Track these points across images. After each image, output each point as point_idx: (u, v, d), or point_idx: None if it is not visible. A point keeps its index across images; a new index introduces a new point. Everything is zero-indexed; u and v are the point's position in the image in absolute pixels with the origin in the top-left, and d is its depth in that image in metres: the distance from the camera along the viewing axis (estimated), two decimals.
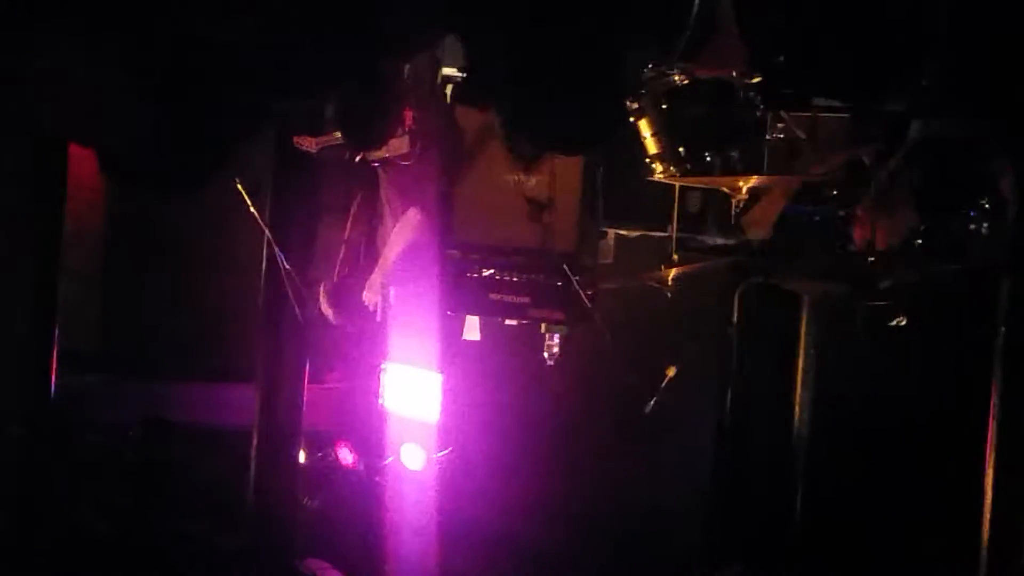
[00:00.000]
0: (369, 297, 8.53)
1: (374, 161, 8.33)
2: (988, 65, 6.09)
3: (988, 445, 6.54)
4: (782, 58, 5.97)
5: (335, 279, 8.89)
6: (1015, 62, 6.06)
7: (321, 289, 8.81)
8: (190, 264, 10.44)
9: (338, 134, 8.21)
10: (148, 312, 10.47)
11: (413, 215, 8.25)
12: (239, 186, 8.51)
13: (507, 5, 6.07)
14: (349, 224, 8.87)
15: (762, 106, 7.22)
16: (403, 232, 8.33)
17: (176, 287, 10.43)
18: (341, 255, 8.86)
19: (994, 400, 6.54)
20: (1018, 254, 6.48)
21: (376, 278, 8.51)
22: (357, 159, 8.36)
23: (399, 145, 8.02)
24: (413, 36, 6.66)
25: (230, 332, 9.98)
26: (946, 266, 7.48)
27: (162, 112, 6.28)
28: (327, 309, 8.77)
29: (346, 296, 8.72)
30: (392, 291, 8.52)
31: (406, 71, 7.81)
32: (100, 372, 10.20)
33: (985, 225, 7.30)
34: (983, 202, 7.24)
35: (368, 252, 8.89)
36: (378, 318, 8.63)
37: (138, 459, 9.67)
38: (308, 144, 8.45)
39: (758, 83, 7.14)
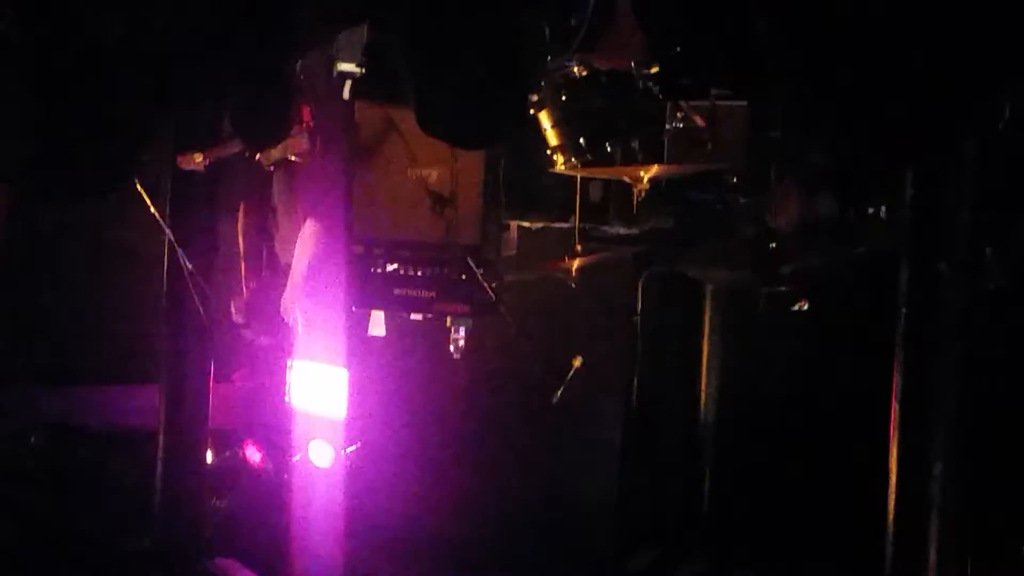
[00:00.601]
0: (288, 313, 8.51)
1: (270, 164, 8.28)
2: (885, 52, 6.13)
3: (892, 427, 6.60)
4: (678, 48, 5.99)
5: (245, 294, 8.84)
6: (910, 50, 6.11)
7: (233, 306, 8.77)
8: (91, 266, 10.32)
9: (228, 145, 8.17)
10: (49, 315, 10.34)
11: (310, 226, 8.23)
12: (138, 186, 8.42)
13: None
14: (240, 236, 8.79)
15: (660, 96, 7.26)
16: (305, 245, 8.31)
17: (77, 289, 10.31)
18: (243, 269, 8.79)
19: (896, 381, 6.60)
20: (916, 237, 6.54)
21: (290, 294, 8.48)
22: (256, 159, 8.29)
23: (297, 143, 7.98)
24: (307, 32, 6.62)
25: (133, 333, 9.89)
26: (846, 250, 7.56)
27: (63, 120, 6.21)
28: (243, 325, 8.74)
29: (259, 308, 8.69)
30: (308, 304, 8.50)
31: (299, 67, 7.76)
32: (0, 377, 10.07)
33: (883, 209, 7.38)
34: (882, 186, 7.31)
35: (270, 262, 8.86)
36: (298, 331, 8.62)
37: (42, 464, 9.57)
38: (195, 162, 8.32)
39: (656, 73, 7.17)
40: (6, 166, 6.72)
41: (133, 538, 9.01)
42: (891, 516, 6.51)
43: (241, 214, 8.78)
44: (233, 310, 8.78)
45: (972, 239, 6.48)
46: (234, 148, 8.28)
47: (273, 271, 8.90)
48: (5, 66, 6.22)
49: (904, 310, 6.54)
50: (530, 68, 6.65)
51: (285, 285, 8.57)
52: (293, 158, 8.14)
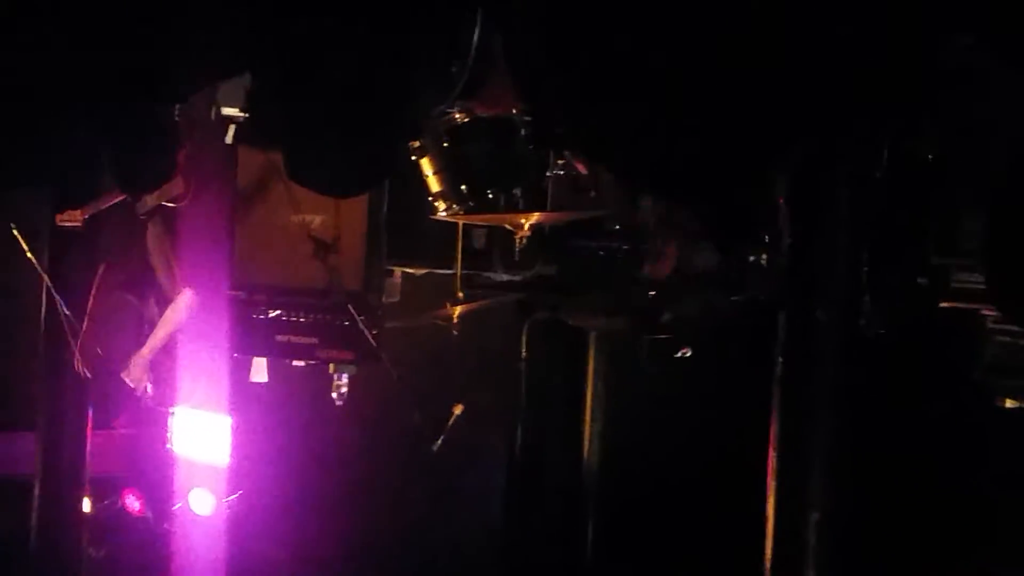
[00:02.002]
0: (134, 376, 8.37)
1: (143, 214, 8.18)
2: (757, 97, 6.17)
3: (769, 472, 6.63)
4: (549, 99, 6.00)
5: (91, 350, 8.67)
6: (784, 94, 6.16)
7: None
8: None
9: (106, 198, 8.08)
10: None
11: (186, 297, 8.15)
12: (15, 232, 8.30)
13: (283, 46, 6.01)
14: (94, 293, 8.64)
15: (531, 147, 7.28)
16: (175, 314, 8.23)
17: None
18: (85, 325, 8.56)
19: (773, 428, 6.63)
20: (793, 285, 6.58)
21: (143, 356, 8.36)
22: (138, 211, 8.18)
23: (172, 187, 7.89)
24: (188, 79, 6.56)
25: (8, 379, 9.73)
26: (726, 298, 7.61)
27: None
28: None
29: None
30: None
31: (177, 111, 7.68)
32: None
33: (764, 257, 7.43)
34: (762, 234, 7.36)
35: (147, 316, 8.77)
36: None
37: None
38: (73, 218, 8.19)
39: (530, 123, 7.20)
40: None
41: None
42: (768, 564, 6.53)
43: (101, 271, 8.64)
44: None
45: (849, 288, 6.53)
46: (112, 200, 8.18)
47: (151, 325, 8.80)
48: None
49: (781, 358, 6.58)
50: (405, 116, 6.63)
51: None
52: (168, 203, 8.04)
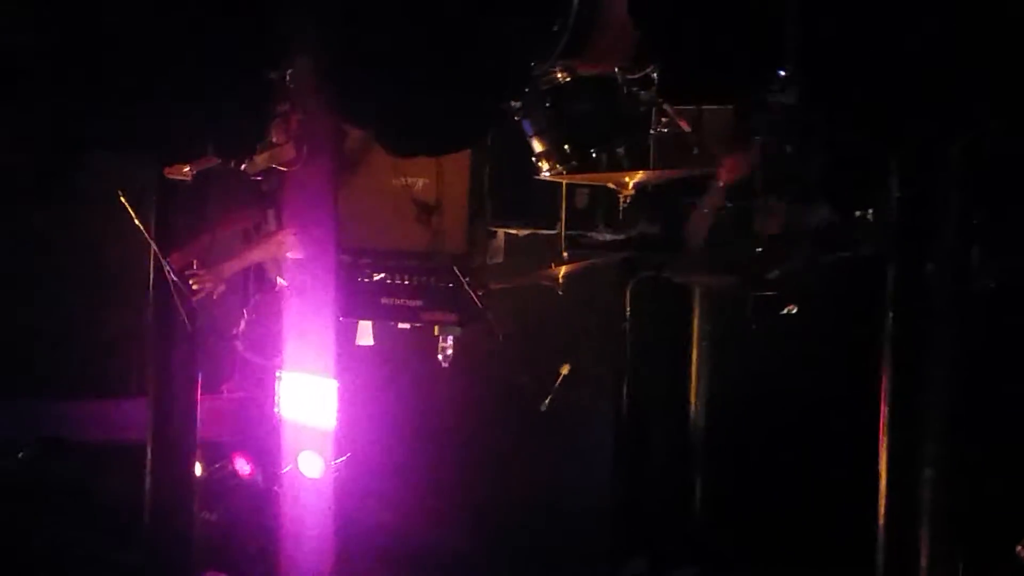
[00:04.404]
0: (200, 282, 8.33)
1: (256, 174, 8.21)
2: (868, 58, 6.13)
3: (881, 428, 6.59)
4: (678, 50, 5.99)
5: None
6: (892, 54, 6.12)
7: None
8: (77, 279, 10.26)
9: (215, 155, 8.11)
10: (36, 329, 10.28)
11: (285, 235, 8.21)
12: (122, 198, 8.36)
13: (379, 5, 6.02)
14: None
15: (659, 99, 7.24)
16: (268, 246, 8.29)
17: (64, 302, 10.25)
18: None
19: (885, 384, 6.59)
20: (902, 240, 6.53)
21: (219, 269, 8.36)
22: (241, 169, 8.21)
23: (284, 152, 7.91)
24: (296, 42, 6.60)
25: (122, 346, 9.85)
26: (834, 254, 7.55)
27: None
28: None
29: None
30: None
31: (288, 76, 7.69)
32: None
33: (870, 212, 7.36)
34: (871, 190, 7.30)
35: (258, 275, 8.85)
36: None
37: (31, 478, 9.53)
38: (181, 173, 8.19)
39: (649, 76, 7.16)
40: None
41: (122, 552, 8.96)
42: (881, 520, 6.49)
43: (209, 232, 8.68)
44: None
45: (958, 240, 6.47)
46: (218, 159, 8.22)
47: (260, 284, 8.88)
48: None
49: (892, 312, 6.53)
50: (507, 75, 6.61)
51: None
52: (279, 167, 8.08)
